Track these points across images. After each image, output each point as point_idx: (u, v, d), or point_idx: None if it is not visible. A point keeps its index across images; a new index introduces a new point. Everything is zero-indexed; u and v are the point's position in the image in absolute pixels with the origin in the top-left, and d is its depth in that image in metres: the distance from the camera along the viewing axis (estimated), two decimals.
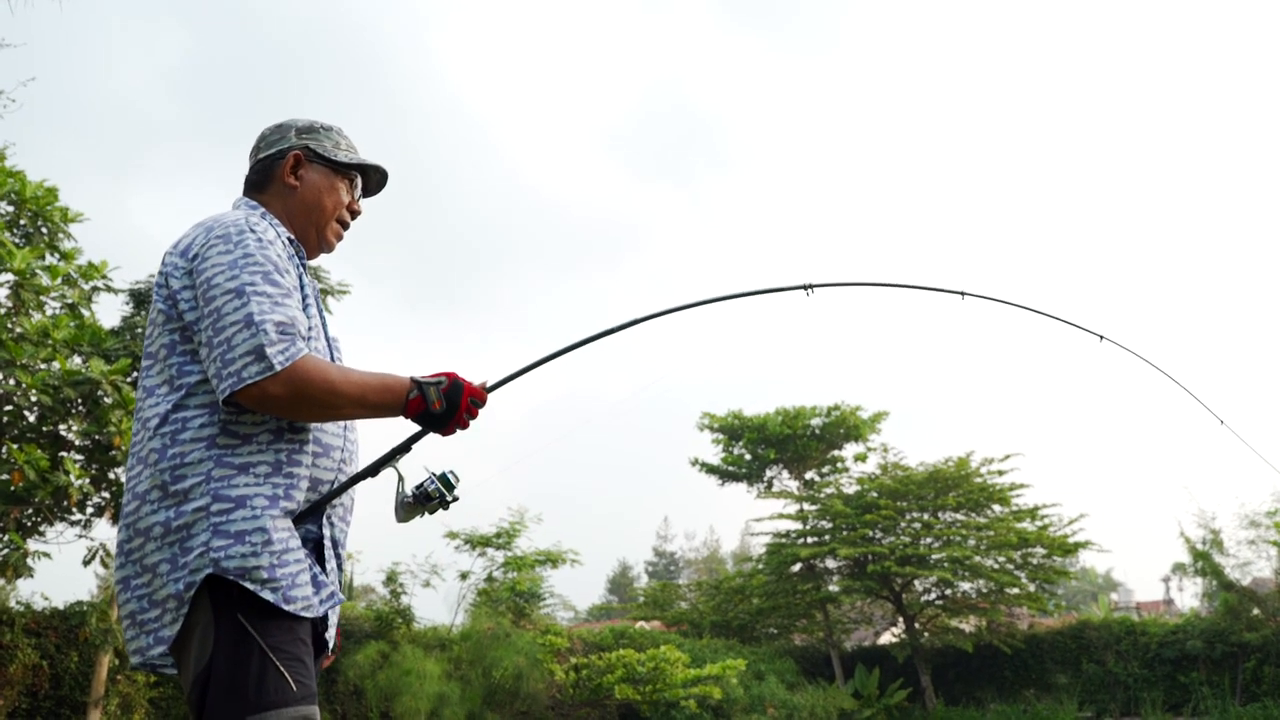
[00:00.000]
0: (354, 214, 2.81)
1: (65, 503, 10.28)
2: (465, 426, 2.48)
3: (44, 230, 10.45)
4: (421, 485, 2.56)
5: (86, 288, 10.63)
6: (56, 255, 10.55)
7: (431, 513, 2.57)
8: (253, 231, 2.46)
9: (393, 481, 2.60)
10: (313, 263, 14.21)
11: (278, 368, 2.29)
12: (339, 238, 2.77)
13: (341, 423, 2.58)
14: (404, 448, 2.54)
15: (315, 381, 2.33)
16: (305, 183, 2.71)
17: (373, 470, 2.54)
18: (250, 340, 2.31)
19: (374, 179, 2.86)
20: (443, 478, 2.55)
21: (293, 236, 2.65)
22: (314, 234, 2.73)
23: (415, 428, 2.55)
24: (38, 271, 10.05)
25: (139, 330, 11.74)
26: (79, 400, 10.04)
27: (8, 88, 10.40)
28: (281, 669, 2.26)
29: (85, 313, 10.54)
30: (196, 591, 2.30)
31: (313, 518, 2.49)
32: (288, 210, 2.70)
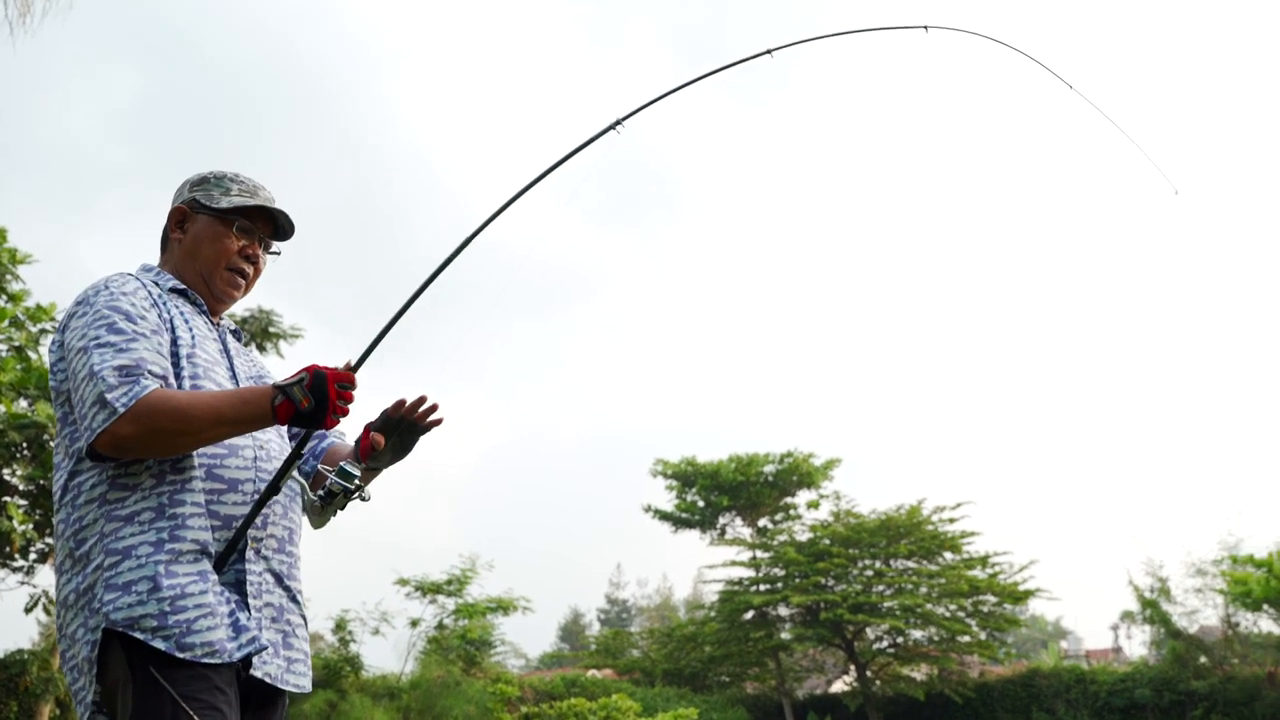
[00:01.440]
0: (250, 259, 2.76)
1: (7, 549, 10.12)
2: (344, 413, 2.42)
3: None
4: (325, 485, 2.55)
5: (34, 330, 10.51)
6: (4, 297, 10.44)
7: (343, 508, 2.56)
8: (106, 288, 2.50)
9: (299, 492, 2.60)
10: (266, 306, 14.01)
11: (120, 410, 2.29)
12: (235, 286, 2.74)
13: (250, 454, 2.54)
14: (296, 454, 2.49)
15: (162, 412, 2.31)
16: (189, 235, 2.71)
17: (274, 488, 2.48)
18: (93, 390, 2.34)
19: (281, 220, 2.80)
20: (340, 471, 2.53)
21: (183, 287, 2.67)
22: (203, 285, 2.71)
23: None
24: None
25: (52, 394, 11.61)
26: (24, 444, 9.90)
27: None
28: (194, 718, 2.23)
29: (33, 355, 10.41)
30: (113, 649, 2.30)
31: (237, 557, 2.46)
32: (176, 264, 2.72)
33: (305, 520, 2.71)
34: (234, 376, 2.65)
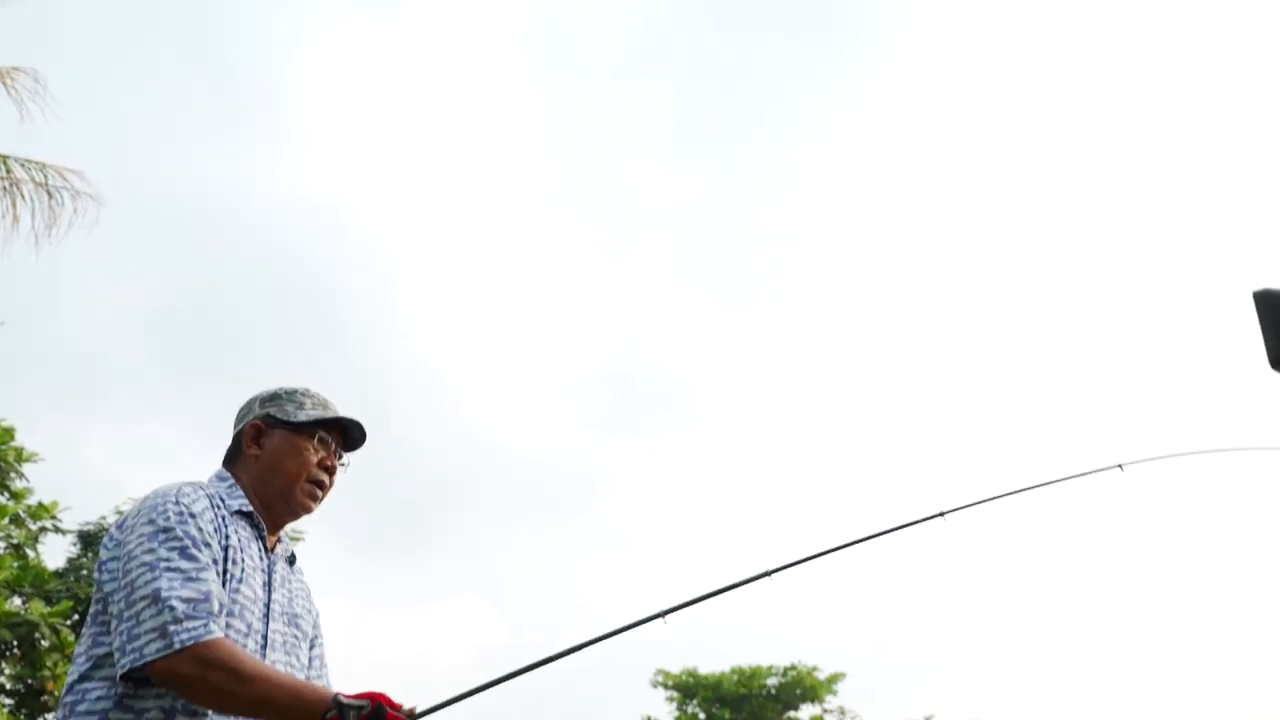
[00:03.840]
0: (329, 470, 2.75)
1: None
2: None
3: None
4: None
5: (34, 528, 10.58)
6: (7, 494, 10.53)
7: None
8: (177, 503, 2.46)
9: None
10: None
11: (177, 646, 2.24)
12: (314, 498, 2.73)
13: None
14: None
15: (222, 668, 2.27)
16: (266, 450, 2.70)
17: None
18: (156, 618, 2.28)
19: (353, 431, 2.80)
20: None
21: (250, 509, 2.65)
22: (281, 501, 2.70)
23: None
24: None
25: (85, 572, 11.60)
26: (14, 643, 9.83)
27: None
28: None
29: (30, 553, 10.45)
30: None
31: None
32: (253, 481, 2.69)
33: None
34: (267, 615, 2.59)
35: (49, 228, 9.63)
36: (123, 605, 2.34)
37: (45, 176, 9.74)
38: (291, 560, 2.80)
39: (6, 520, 10.24)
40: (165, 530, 2.40)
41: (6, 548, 10.44)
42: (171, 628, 2.26)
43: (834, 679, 24.31)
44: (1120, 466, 3.64)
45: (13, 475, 10.54)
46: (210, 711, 2.38)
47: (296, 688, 2.35)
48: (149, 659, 2.25)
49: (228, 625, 2.43)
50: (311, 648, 2.80)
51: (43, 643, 9.75)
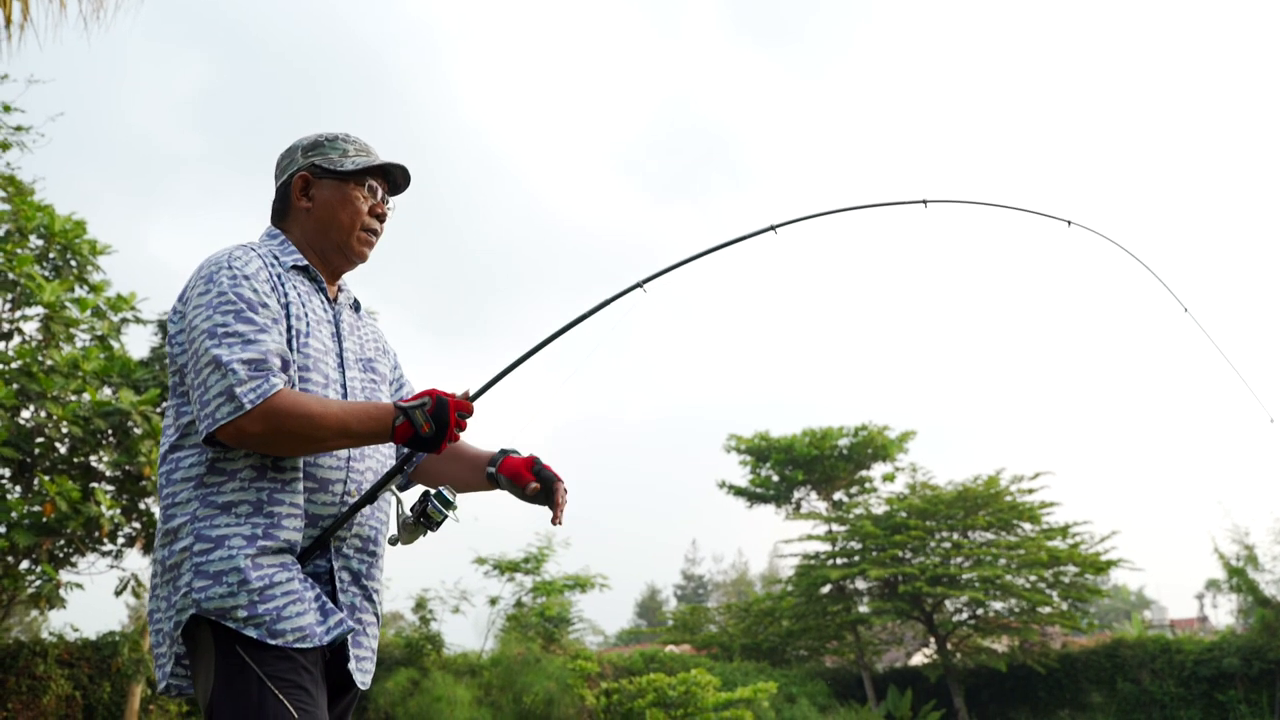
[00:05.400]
0: (380, 217, 2.77)
1: (97, 534, 10.36)
2: (456, 440, 2.49)
3: (73, 263, 10.57)
4: (421, 506, 2.54)
5: (116, 319, 10.73)
6: (86, 288, 10.66)
7: (434, 530, 2.56)
8: (230, 267, 2.49)
9: (393, 505, 2.61)
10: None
11: (248, 406, 2.32)
12: (369, 245, 2.74)
13: (343, 455, 2.56)
14: (398, 470, 2.54)
15: (293, 415, 2.35)
16: (317, 202, 2.70)
17: (370, 497, 2.52)
18: (221, 382, 2.35)
19: (398, 175, 2.81)
20: (439, 496, 2.54)
21: (305, 263, 2.65)
22: (338, 252, 2.71)
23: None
24: (67, 304, 10.16)
25: (168, 360, 11.85)
26: (109, 431, 10.11)
27: (37, 123, 10.53)
28: (281, 697, 2.27)
29: (115, 344, 10.63)
30: (199, 626, 2.36)
31: (320, 553, 2.49)
32: (306, 234, 2.70)
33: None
34: (341, 365, 2.65)
35: (96, 11, 9.39)
36: (193, 375, 2.41)
37: None
38: (356, 307, 2.81)
39: (88, 313, 10.39)
40: (220, 295, 2.43)
41: (91, 339, 10.63)
42: (238, 390, 2.32)
43: (905, 437, 24.61)
44: None
45: (89, 268, 10.66)
46: (303, 460, 2.48)
47: (365, 409, 2.43)
48: (221, 422, 2.33)
49: (305, 380, 2.50)
50: (400, 388, 2.90)
51: (135, 430, 10.01)
